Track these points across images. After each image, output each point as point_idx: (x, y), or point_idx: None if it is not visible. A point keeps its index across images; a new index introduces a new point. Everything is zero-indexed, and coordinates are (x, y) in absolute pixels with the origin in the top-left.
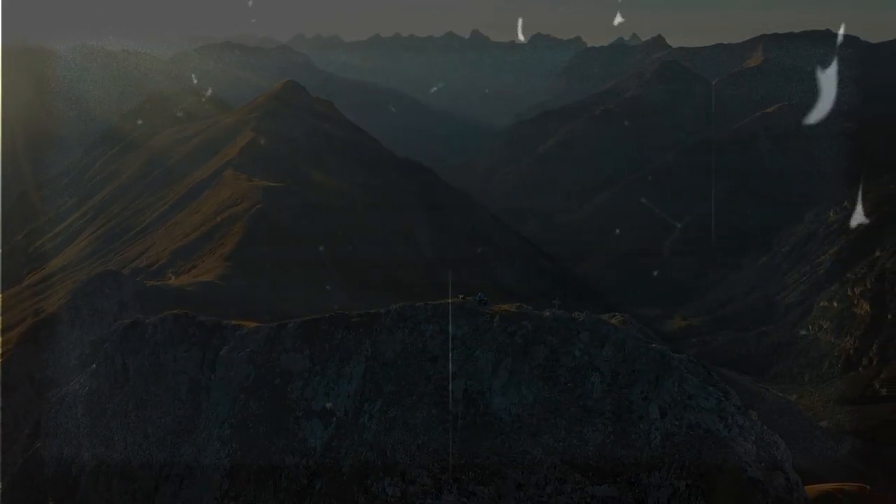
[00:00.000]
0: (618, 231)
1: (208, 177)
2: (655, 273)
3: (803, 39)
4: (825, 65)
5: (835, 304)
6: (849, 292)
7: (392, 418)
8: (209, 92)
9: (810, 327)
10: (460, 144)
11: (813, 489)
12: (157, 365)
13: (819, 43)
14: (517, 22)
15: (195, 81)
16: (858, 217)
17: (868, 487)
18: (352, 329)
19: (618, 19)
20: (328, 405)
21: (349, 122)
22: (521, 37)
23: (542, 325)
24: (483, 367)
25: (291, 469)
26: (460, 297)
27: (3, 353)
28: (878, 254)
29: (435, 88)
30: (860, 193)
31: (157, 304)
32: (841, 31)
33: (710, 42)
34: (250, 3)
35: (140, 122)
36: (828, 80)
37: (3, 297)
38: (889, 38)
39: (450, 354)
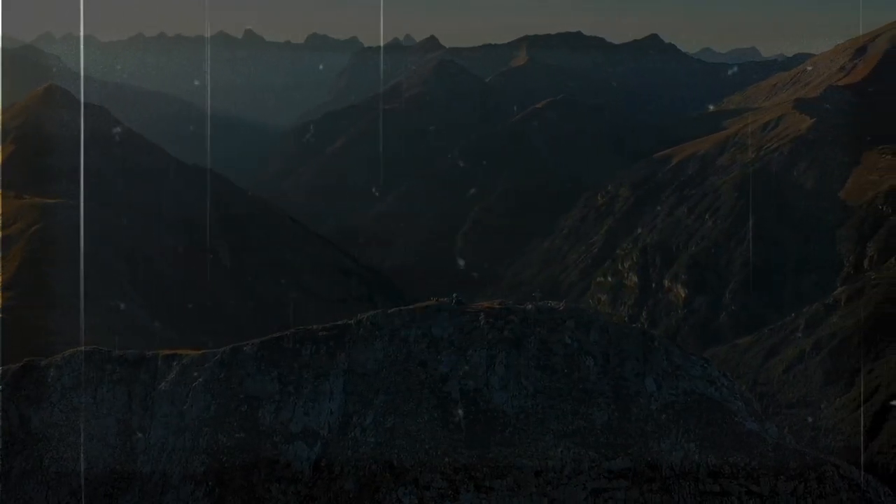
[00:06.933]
0: (411, 226)
1: None
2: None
3: (560, 40)
4: (578, 63)
5: (609, 279)
6: (619, 267)
7: (391, 428)
8: None
9: (591, 301)
10: (244, 148)
11: None
12: (71, 411)
13: (572, 44)
14: (291, 21)
15: None
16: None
17: None
18: (320, 343)
19: None
20: (310, 425)
21: (127, 128)
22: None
23: (529, 318)
24: (477, 364)
25: (279, 498)
26: (434, 299)
27: None
28: (639, 231)
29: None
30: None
31: None
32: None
33: (479, 43)
34: None
35: None
36: (581, 77)
37: None
38: (629, 39)
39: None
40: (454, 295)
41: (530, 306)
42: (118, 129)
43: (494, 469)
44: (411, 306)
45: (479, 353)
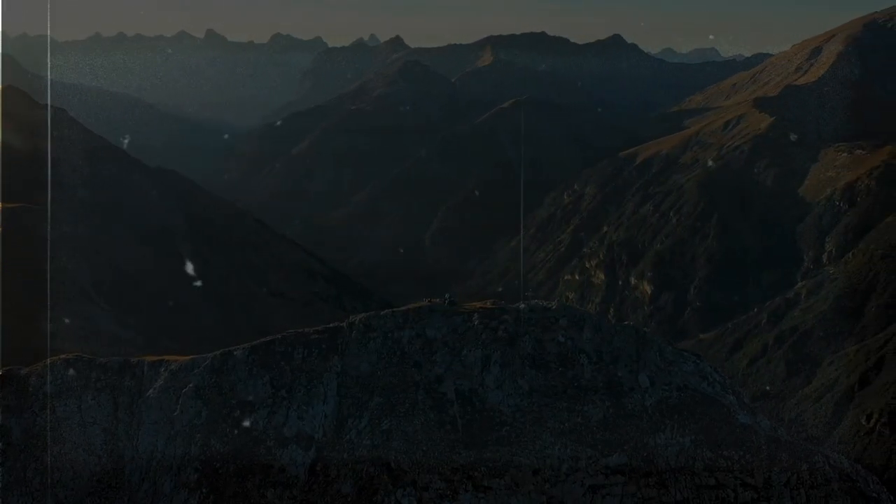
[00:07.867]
0: (378, 226)
1: None
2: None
3: (524, 40)
4: (542, 63)
5: (576, 277)
6: (586, 265)
7: (387, 430)
8: None
9: (559, 299)
10: (208, 149)
11: None
12: (55, 420)
13: (537, 44)
14: (254, 21)
15: None
16: None
17: None
18: (312, 346)
19: None
20: (304, 429)
21: (88, 131)
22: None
23: (522, 318)
24: (472, 364)
25: (274, 503)
26: (426, 300)
27: None
28: (605, 229)
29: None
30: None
31: None
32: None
33: (444, 43)
34: None
35: None
36: (545, 77)
37: None
38: (592, 39)
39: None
40: (447, 295)
41: (523, 306)
42: (78, 131)
43: (492, 468)
44: (404, 308)
45: (474, 353)
